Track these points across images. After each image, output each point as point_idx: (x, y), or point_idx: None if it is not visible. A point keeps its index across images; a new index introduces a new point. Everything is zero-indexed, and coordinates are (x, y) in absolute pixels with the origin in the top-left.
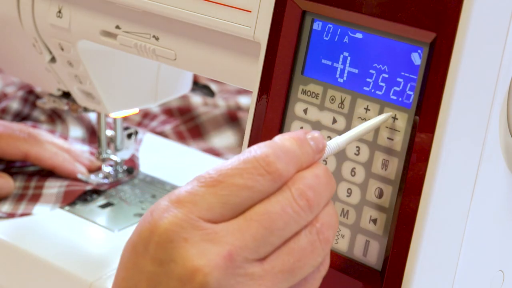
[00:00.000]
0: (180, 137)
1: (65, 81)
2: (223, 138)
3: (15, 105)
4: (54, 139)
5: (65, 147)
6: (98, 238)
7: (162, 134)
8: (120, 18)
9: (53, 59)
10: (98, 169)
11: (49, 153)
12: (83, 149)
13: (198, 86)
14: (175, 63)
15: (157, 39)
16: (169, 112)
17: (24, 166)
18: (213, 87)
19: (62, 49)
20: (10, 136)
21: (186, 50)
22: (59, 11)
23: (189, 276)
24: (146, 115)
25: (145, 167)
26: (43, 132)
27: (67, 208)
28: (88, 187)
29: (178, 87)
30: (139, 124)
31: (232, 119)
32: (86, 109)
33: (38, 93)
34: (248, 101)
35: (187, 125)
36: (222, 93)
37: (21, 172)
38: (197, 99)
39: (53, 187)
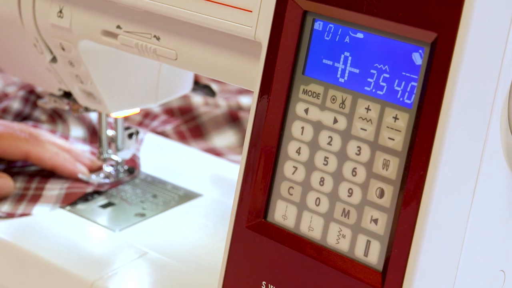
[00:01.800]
0: (181, 137)
1: (66, 81)
2: (224, 138)
3: (16, 105)
4: (55, 139)
5: (65, 147)
6: (99, 238)
7: (163, 134)
8: (121, 18)
9: (54, 59)
10: (99, 169)
11: (50, 153)
12: (84, 149)
13: (199, 86)
14: (176, 63)
15: (158, 39)
16: (170, 112)
17: (25, 166)
18: (214, 87)
19: (63, 49)
20: (11, 136)
21: (187, 50)
22: (60, 11)
23: None
24: (147, 115)
25: (146, 167)
26: (44, 132)
27: (68, 208)
28: (89, 190)
29: (179, 87)
30: (140, 124)
31: (233, 119)
32: (87, 109)
33: (39, 93)
34: (249, 101)
35: (188, 125)
36: (223, 93)
37: (22, 173)
38: (198, 99)
39: (54, 189)
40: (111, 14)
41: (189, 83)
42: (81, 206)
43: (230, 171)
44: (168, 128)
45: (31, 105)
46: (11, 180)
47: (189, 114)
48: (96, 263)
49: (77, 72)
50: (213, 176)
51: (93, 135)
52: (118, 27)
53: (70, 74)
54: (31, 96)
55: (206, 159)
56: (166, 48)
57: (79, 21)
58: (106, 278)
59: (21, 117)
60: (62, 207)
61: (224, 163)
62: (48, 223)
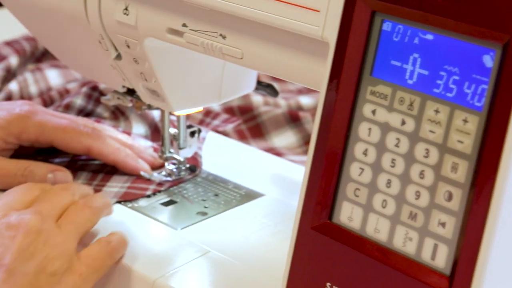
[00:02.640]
0: (241, 136)
1: (130, 78)
2: (284, 138)
3: (79, 101)
4: (118, 135)
5: (128, 142)
6: (161, 236)
7: (223, 132)
8: (187, 16)
9: (118, 56)
10: (161, 166)
11: (112, 149)
12: (147, 145)
13: (262, 85)
14: (242, 62)
15: (224, 37)
16: (230, 110)
17: (89, 159)
18: (275, 86)
19: (128, 46)
20: (74, 130)
21: (253, 49)
22: (126, 8)
23: None
24: (208, 114)
25: (208, 165)
26: (107, 127)
27: (129, 204)
28: (148, 192)
29: (243, 86)
30: (201, 122)
31: (293, 119)
32: (150, 107)
33: (102, 90)
34: (309, 101)
35: (248, 124)
36: (283, 93)
37: (86, 168)
38: (258, 98)
39: (114, 187)
40: (177, 12)
41: (253, 82)
42: (142, 203)
43: (292, 171)
44: (229, 127)
45: (94, 102)
46: (70, 175)
47: (249, 114)
48: (158, 260)
49: (141, 69)
50: (274, 176)
51: (155, 132)
52: (184, 25)
53: (135, 72)
54: (94, 92)
55: (268, 158)
56: (232, 47)
57: (145, 18)
58: (168, 276)
59: (83, 113)
60: (121, 202)
61: (285, 163)
62: (108, 219)
